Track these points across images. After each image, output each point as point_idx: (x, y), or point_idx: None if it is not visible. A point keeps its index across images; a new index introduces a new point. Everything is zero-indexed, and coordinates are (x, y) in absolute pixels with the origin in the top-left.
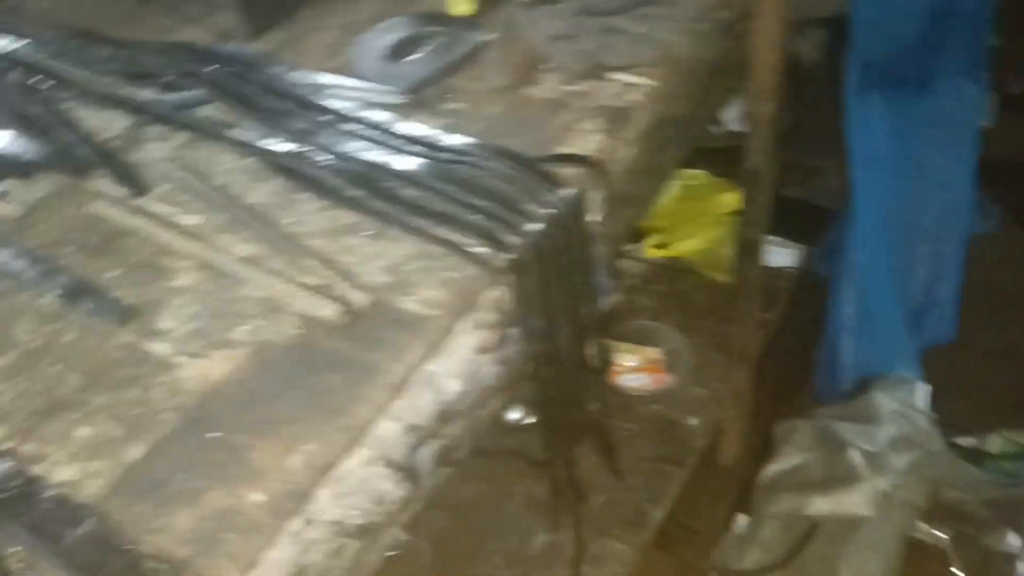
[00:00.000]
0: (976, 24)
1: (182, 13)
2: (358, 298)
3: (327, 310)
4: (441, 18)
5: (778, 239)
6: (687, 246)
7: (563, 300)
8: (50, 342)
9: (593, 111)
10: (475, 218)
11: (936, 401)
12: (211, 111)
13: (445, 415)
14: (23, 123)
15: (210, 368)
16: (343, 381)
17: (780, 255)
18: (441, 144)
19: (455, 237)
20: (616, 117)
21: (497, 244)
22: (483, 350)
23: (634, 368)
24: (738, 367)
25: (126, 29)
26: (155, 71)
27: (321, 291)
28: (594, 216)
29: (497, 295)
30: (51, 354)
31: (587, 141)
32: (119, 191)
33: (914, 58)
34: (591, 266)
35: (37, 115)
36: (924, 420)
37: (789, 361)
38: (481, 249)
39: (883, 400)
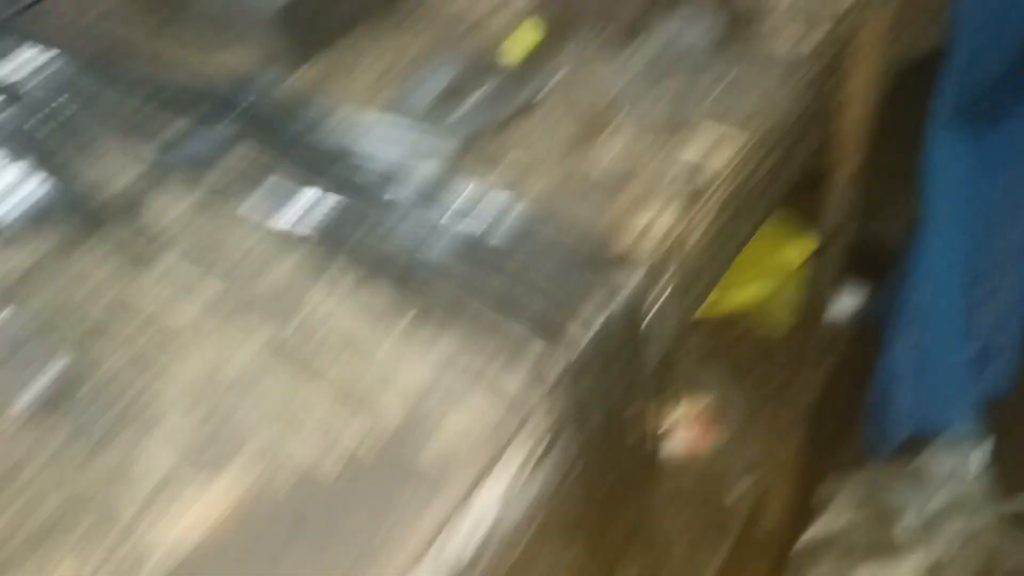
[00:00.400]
0: None
1: (220, 29)
2: (389, 411)
3: (349, 431)
4: (497, 59)
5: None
6: (741, 297)
7: (618, 402)
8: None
9: (669, 178)
10: (524, 318)
11: (997, 459)
12: (242, 154)
13: (484, 545)
14: (39, 155)
15: (192, 521)
16: (367, 527)
17: (839, 298)
18: (489, 222)
19: (501, 338)
20: (696, 185)
21: (550, 344)
22: (527, 464)
23: (680, 424)
24: (788, 429)
25: (161, 43)
26: (186, 100)
27: (343, 402)
28: (659, 304)
29: (548, 404)
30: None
31: (660, 217)
32: (127, 254)
33: (1007, 89)
34: (648, 362)
35: (55, 147)
36: (983, 483)
37: (838, 409)
38: (531, 351)
39: (938, 458)
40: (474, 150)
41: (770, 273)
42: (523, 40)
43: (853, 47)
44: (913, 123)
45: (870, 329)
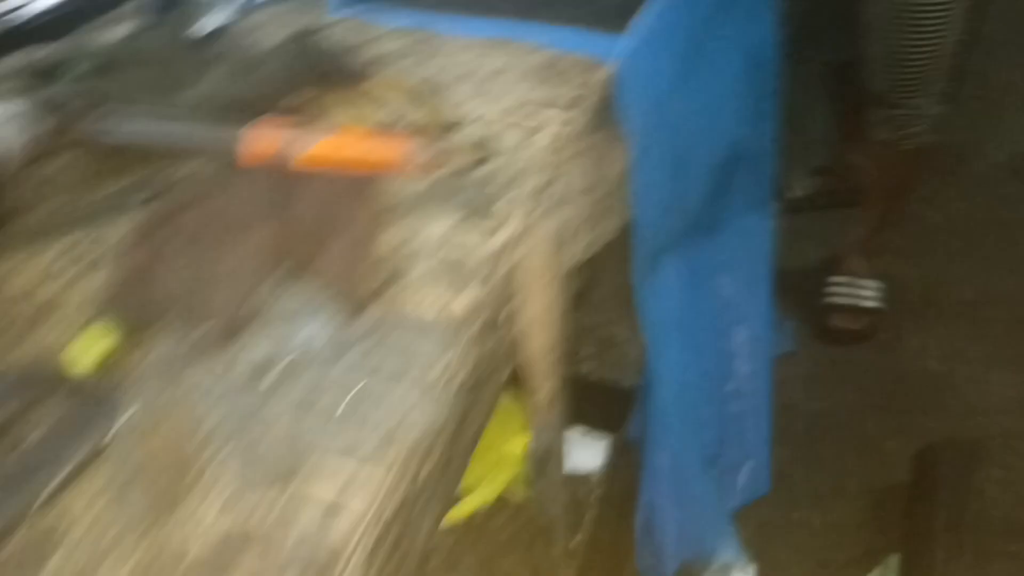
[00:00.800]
0: (761, 161)
1: None
2: None
3: None
4: (56, 378)
5: (579, 430)
6: (478, 499)
7: None
8: None
9: (296, 539)
10: None
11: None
12: None
13: None
14: None
15: None
16: None
17: (584, 452)
18: None
19: None
20: (330, 546)
21: None
22: None
23: None
24: None
25: None
26: None
27: None
28: None
29: None
30: None
31: None
32: None
33: (701, 214)
34: None
35: None
36: None
37: (610, 549)
38: None
39: None
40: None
41: (501, 466)
42: (90, 347)
43: (518, 282)
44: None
45: (628, 468)
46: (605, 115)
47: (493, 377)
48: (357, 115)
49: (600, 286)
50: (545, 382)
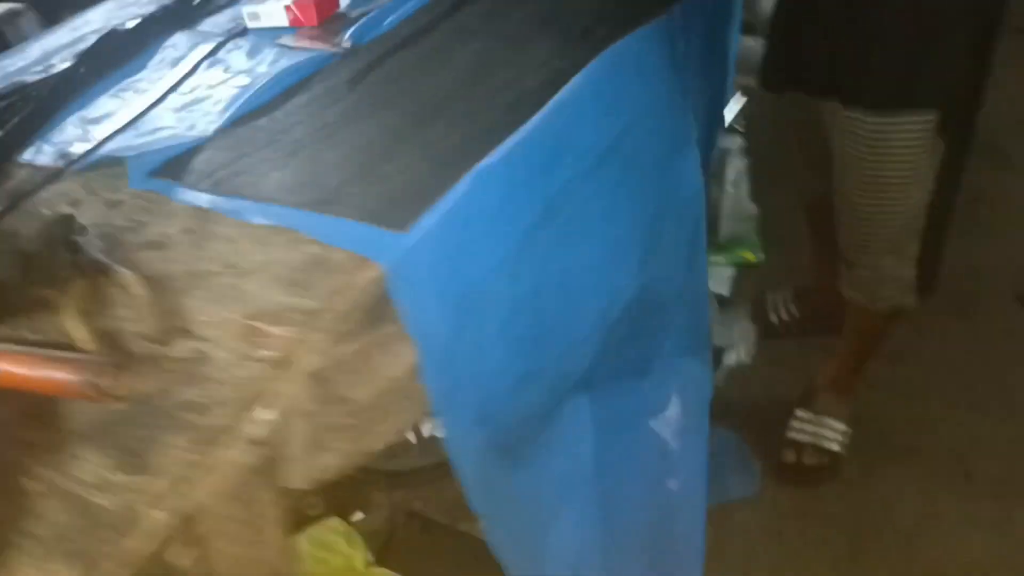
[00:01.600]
0: (693, 304)
1: None
2: None
3: None
4: None
5: None
6: None
7: None
8: None
9: None
10: None
11: None
12: None
13: None
14: None
15: None
16: None
17: None
18: None
19: None
20: None
21: None
22: None
23: None
24: None
25: None
26: None
27: None
28: None
29: None
30: None
31: None
32: None
33: (618, 359)
34: None
35: None
36: None
37: None
38: None
39: None
40: None
41: None
42: None
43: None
44: None
45: None
46: (380, 314)
47: None
48: (78, 320)
49: None
50: None
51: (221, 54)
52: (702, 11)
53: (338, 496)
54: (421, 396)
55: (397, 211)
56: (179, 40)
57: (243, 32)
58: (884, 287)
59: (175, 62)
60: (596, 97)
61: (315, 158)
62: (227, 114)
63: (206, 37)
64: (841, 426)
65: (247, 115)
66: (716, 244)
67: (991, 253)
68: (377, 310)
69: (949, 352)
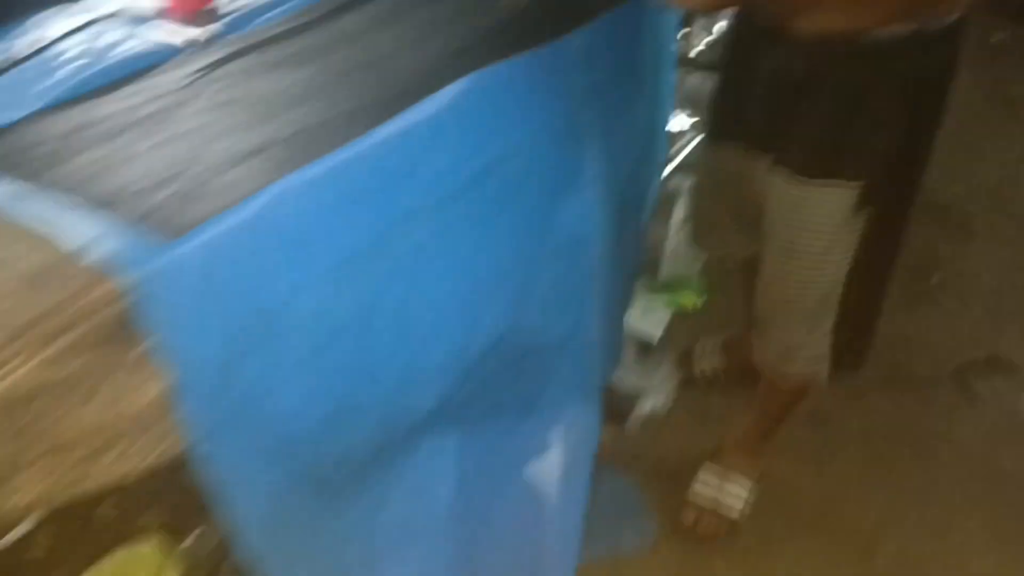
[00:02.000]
0: (580, 348)
1: None
2: None
3: None
4: None
5: None
6: None
7: None
8: None
9: None
10: None
11: None
12: None
13: None
14: None
15: None
16: None
17: None
18: None
19: None
20: None
21: None
22: None
23: None
24: None
25: None
26: None
27: None
28: None
29: None
30: None
31: None
32: None
33: (501, 393)
34: None
35: None
36: None
37: None
38: None
39: None
40: None
41: None
42: None
43: None
44: None
45: None
46: (122, 332)
47: None
48: None
49: None
50: None
51: (82, 35)
52: (612, 44)
53: (178, 508)
54: (170, 428)
55: (178, 218)
56: (49, 16)
57: (112, 15)
58: (793, 359)
59: (33, 38)
60: (459, 123)
61: (119, 152)
62: (47, 97)
63: (76, 15)
64: (745, 489)
65: (71, 100)
66: (655, 286)
67: (937, 326)
68: (119, 327)
69: (873, 424)
